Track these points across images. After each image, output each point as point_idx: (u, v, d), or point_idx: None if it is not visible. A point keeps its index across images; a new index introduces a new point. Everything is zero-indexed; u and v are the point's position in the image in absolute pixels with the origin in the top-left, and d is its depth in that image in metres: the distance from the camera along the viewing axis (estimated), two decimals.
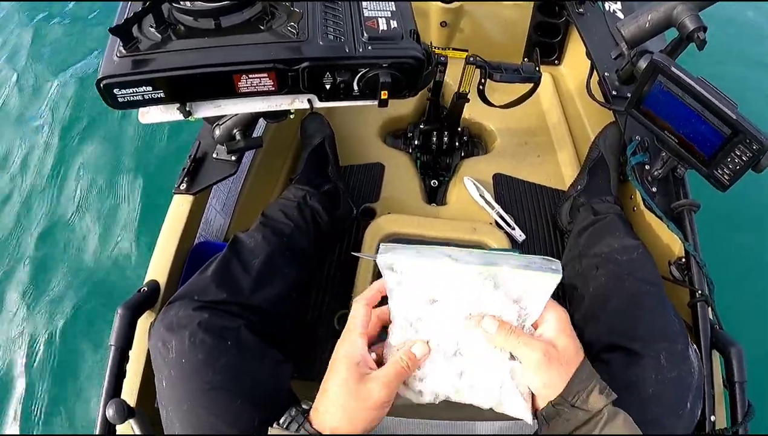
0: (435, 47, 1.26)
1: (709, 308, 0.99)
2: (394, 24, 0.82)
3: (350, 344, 0.60)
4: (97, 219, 1.81)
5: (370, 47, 0.79)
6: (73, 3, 2.58)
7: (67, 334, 1.58)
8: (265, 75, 0.78)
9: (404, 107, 1.57)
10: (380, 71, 0.79)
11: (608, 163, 1.31)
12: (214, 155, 1.11)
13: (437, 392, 0.61)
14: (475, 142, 1.62)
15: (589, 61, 1.34)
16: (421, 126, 1.46)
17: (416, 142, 1.49)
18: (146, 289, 0.96)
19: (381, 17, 0.83)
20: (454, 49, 1.35)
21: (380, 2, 0.86)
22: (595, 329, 0.98)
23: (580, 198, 1.29)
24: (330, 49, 0.78)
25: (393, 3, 0.86)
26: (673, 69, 0.95)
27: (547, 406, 0.58)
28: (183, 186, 1.06)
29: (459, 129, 1.49)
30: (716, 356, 0.94)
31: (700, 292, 1.00)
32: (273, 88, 0.80)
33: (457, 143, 1.49)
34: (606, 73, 1.30)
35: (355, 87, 0.81)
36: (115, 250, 1.73)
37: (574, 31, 1.57)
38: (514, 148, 1.52)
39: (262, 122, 1.37)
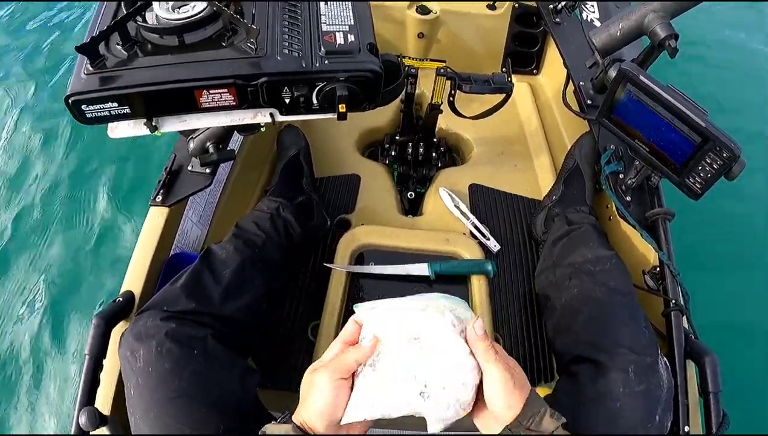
0: (412, 58, 1.28)
1: (684, 318, 0.99)
2: (351, 38, 0.84)
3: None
4: (76, 228, 1.84)
5: (326, 61, 0.81)
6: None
7: (41, 341, 1.61)
8: (225, 90, 0.80)
9: (380, 119, 1.59)
10: (337, 85, 0.81)
11: (583, 173, 1.32)
12: (189, 168, 1.13)
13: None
14: (452, 153, 1.63)
15: (566, 71, 1.36)
16: (397, 137, 1.48)
17: (393, 154, 1.51)
18: (121, 299, 0.97)
19: (339, 31, 0.85)
20: (431, 60, 1.37)
21: (340, 16, 0.88)
22: (565, 340, 1.00)
23: (555, 208, 1.30)
24: (287, 63, 0.80)
25: (352, 17, 0.88)
26: (641, 78, 0.96)
27: (504, 430, 0.59)
28: (159, 198, 1.08)
29: (435, 140, 1.51)
30: (691, 365, 0.94)
31: (674, 301, 1.00)
32: (234, 103, 0.82)
33: (434, 154, 1.51)
34: (581, 83, 1.32)
35: (314, 100, 0.83)
36: (91, 260, 1.76)
37: (552, 40, 1.59)
38: (490, 158, 1.53)
39: (238, 135, 1.40)
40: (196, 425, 0.75)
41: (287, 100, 0.83)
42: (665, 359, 0.89)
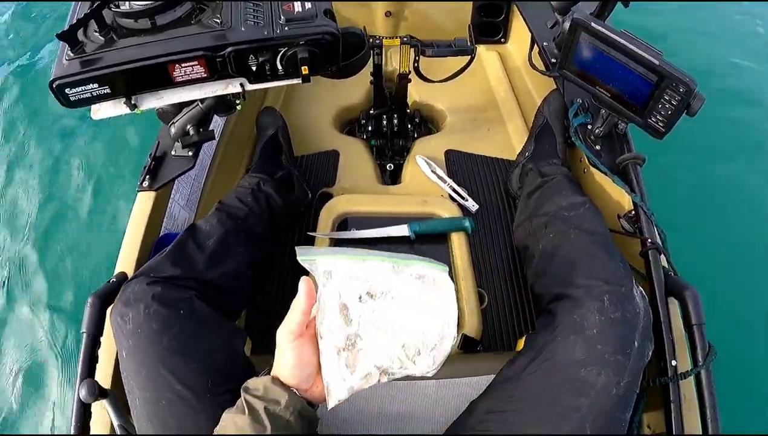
0: (382, 37, 1.34)
1: (662, 256, 1.01)
2: (308, 5, 0.91)
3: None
4: (66, 219, 1.91)
5: (287, 28, 0.88)
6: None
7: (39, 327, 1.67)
8: (196, 63, 0.87)
9: (355, 96, 1.65)
10: (298, 48, 0.88)
11: (553, 127, 1.37)
12: (173, 152, 1.19)
13: (380, 366, 0.65)
14: (427, 123, 1.69)
15: (530, 35, 1.41)
16: (371, 111, 1.54)
17: (369, 129, 1.57)
18: (114, 280, 1.02)
19: (297, 0, 0.92)
20: (400, 37, 1.43)
21: None
22: (543, 283, 1.03)
23: (528, 163, 1.35)
24: (250, 33, 0.87)
25: None
26: (593, 25, 0.98)
27: None
28: (145, 183, 1.14)
29: (409, 111, 1.57)
30: (674, 302, 0.95)
31: (650, 241, 1.02)
32: (205, 75, 0.89)
33: (409, 126, 1.57)
34: (545, 43, 1.35)
35: (279, 66, 0.90)
36: (83, 247, 1.83)
37: (516, 9, 1.65)
38: (464, 125, 1.59)
39: (219, 120, 1.46)
40: (186, 380, 0.78)
41: (254, 68, 0.90)
42: (641, 288, 0.90)
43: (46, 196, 1.97)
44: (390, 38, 1.31)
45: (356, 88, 1.66)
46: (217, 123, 1.44)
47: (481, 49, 1.78)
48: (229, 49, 0.86)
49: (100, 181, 1.98)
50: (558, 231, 1.05)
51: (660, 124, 0.99)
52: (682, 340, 0.93)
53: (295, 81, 0.94)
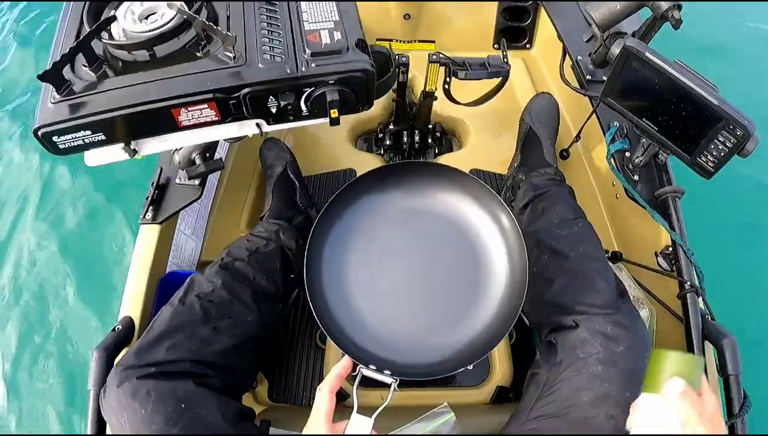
0: (401, 41, 1.21)
1: (699, 299, 0.96)
2: (338, 36, 0.77)
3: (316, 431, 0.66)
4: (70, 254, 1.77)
5: (313, 64, 0.74)
6: None
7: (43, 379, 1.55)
8: (205, 106, 0.74)
9: (373, 109, 1.51)
10: (327, 89, 0.75)
11: (538, 133, 1.30)
12: (177, 181, 1.08)
13: None
14: (449, 138, 1.57)
15: (561, 44, 1.30)
16: (391, 127, 1.42)
17: (387, 143, 1.45)
18: (120, 327, 0.93)
19: (323, 29, 0.78)
20: (420, 41, 1.30)
21: (323, 12, 0.81)
22: (541, 312, 0.98)
23: (518, 175, 1.27)
24: (270, 71, 0.74)
25: (336, 11, 0.81)
26: (647, 54, 0.91)
27: None
28: (149, 215, 1.04)
29: (430, 126, 1.45)
30: (710, 348, 0.92)
31: (689, 283, 0.97)
32: (216, 118, 0.76)
33: (430, 141, 1.45)
34: (579, 57, 1.27)
35: (303, 107, 0.77)
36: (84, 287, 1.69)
37: (544, 12, 1.52)
38: (489, 141, 1.48)
39: (225, 142, 1.33)
40: None
41: (273, 110, 0.77)
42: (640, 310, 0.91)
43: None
44: (410, 42, 1.18)
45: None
46: (224, 145, 1.31)
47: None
48: (246, 90, 0.73)
49: (96, 211, 1.84)
50: (552, 252, 0.99)
51: (710, 164, 0.94)
52: (716, 388, 0.89)
53: (321, 121, 0.81)
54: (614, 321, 0.84)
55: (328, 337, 0.87)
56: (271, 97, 0.75)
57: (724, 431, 0.58)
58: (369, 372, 0.82)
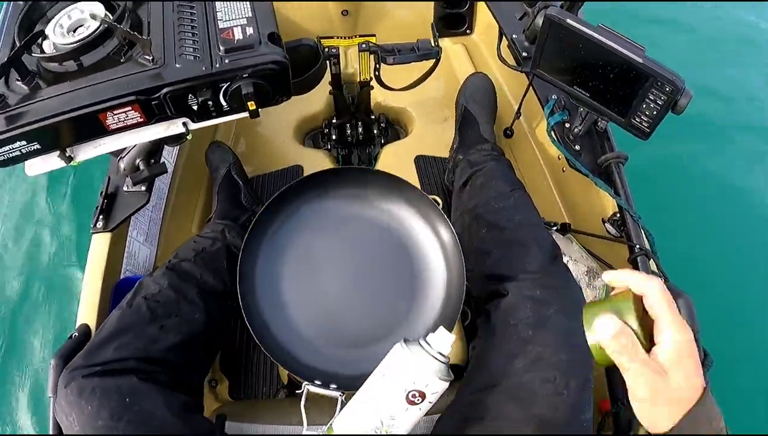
0: (340, 37, 1.25)
1: (651, 261, 0.97)
2: (250, 30, 0.82)
3: None
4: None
5: (227, 60, 0.79)
6: None
7: None
8: (129, 108, 0.78)
9: (315, 105, 1.56)
10: (242, 82, 0.79)
11: (473, 112, 1.32)
12: (125, 188, 1.11)
13: None
14: (394, 127, 1.61)
15: (498, 26, 1.33)
16: (334, 120, 1.46)
17: (333, 138, 1.49)
18: (77, 334, 0.95)
19: (237, 26, 0.82)
20: (360, 36, 1.34)
21: (236, 10, 0.85)
22: (480, 285, 0.99)
23: (458, 155, 1.29)
24: (186, 69, 0.78)
25: (249, 8, 0.86)
26: (568, 21, 0.91)
27: None
28: (99, 224, 1.07)
29: (374, 117, 1.49)
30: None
31: (638, 246, 0.98)
32: (142, 120, 0.80)
33: (375, 131, 1.49)
34: (514, 36, 1.28)
35: (223, 102, 0.82)
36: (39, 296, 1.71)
37: None
38: (434, 127, 1.52)
39: (174, 148, 1.37)
40: None
41: (195, 107, 0.81)
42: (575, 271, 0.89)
43: None
44: (346, 38, 1.22)
45: (316, 96, 1.56)
46: (172, 149, 1.35)
47: (447, 43, 1.69)
48: (165, 90, 0.77)
49: (43, 223, 1.84)
50: (489, 225, 1.00)
51: (644, 124, 0.94)
52: None
53: (242, 115, 0.85)
54: (543, 284, 0.85)
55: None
56: (190, 95, 0.79)
57: (698, 371, 0.48)
58: (315, 388, 0.84)
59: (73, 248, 1.77)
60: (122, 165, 1.05)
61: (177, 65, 0.79)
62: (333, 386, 0.84)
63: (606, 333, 0.49)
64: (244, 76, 0.79)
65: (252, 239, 0.99)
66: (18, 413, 1.52)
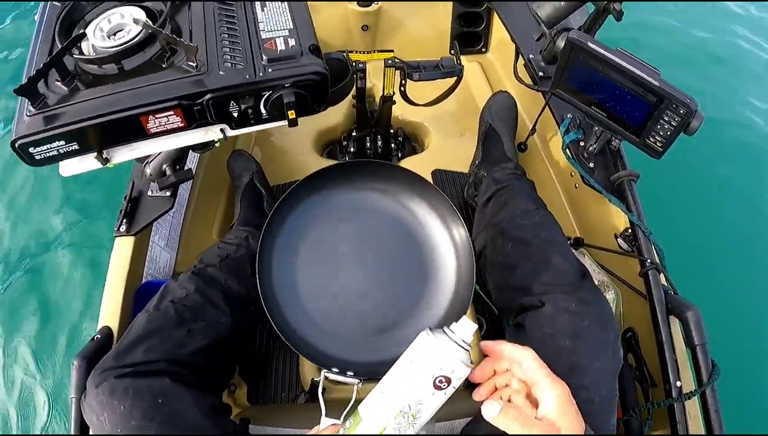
0: (360, 52, 1.28)
1: (661, 275, 1.00)
2: (292, 42, 0.84)
3: None
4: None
5: (270, 69, 0.80)
6: None
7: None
8: (171, 113, 0.79)
9: (335, 117, 1.58)
10: (283, 92, 0.81)
11: (497, 130, 1.35)
12: (149, 193, 1.12)
13: None
14: (411, 142, 1.64)
15: (514, 45, 1.36)
16: (354, 133, 1.48)
17: (352, 150, 1.51)
18: (99, 336, 0.96)
19: (279, 37, 0.84)
20: (379, 51, 1.36)
21: (278, 21, 0.87)
22: (507, 297, 1.00)
23: (480, 171, 1.32)
24: (230, 77, 0.79)
25: (291, 20, 0.88)
26: (589, 44, 0.95)
27: None
28: (123, 228, 1.07)
29: (392, 131, 1.52)
30: (676, 322, 0.95)
31: (649, 260, 1.00)
32: (182, 125, 0.81)
33: (393, 145, 1.51)
34: (531, 55, 1.32)
35: (263, 110, 0.83)
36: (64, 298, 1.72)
37: (497, 16, 1.60)
38: (450, 142, 1.54)
39: (194, 153, 1.38)
40: None
41: (235, 114, 0.82)
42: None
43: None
44: (369, 52, 1.25)
45: (335, 109, 1.55)
46: (193, 154, 1.36)
47: (462, 61, 1.72)
48: (208, 96, 0.79)
49: (71, 225, 1.85)
50: (515, 241, 1.02)
51: (658, 144, 0.97)
52: (684, 360, 0.93)
53: (280, 124, 0.87)
54: (578, 298, 0.86)
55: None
56: (232, 101, 0.81)
57: (578, 413, 0.60)
58: (333, 375, 0.85)
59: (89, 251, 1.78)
60: (148, 170, 1.06)
61: (221, 72, 0.80)
62: (350, 373, 0.86)
63: (491, 414, 0.59)
64: (286, 85, 0.81)
65: (267, 234, 1.00)
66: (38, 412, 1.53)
